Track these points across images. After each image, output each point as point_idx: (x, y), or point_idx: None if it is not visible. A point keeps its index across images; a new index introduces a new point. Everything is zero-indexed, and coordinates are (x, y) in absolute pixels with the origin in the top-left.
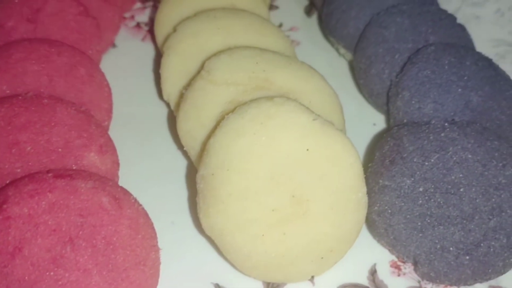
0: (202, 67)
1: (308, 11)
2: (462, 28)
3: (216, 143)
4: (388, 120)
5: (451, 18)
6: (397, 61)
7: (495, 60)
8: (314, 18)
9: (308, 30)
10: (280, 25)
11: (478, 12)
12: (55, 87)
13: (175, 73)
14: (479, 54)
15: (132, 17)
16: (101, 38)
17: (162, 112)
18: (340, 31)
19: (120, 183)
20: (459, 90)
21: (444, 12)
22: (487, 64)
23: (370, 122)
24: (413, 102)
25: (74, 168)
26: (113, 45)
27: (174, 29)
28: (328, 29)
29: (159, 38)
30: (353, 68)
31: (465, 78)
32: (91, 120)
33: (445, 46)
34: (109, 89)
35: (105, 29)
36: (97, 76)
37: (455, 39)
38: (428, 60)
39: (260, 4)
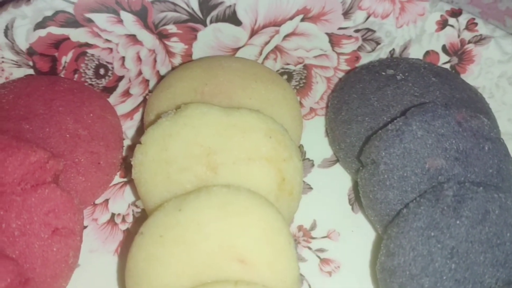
0: None
1: (353, 203)
2: None
3: None
4: None
5: None
6: None
7: None
8: (361, 217)
9: (354, 240)
10: (313, 227)
11: None
12: None
13: None
14: None
15: (106, 202)
16: None
17: None
18: None
19: None
20: None
21: None
22: None
23: None
24: None
25: None
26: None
27: None
28: None
29: None
30: None
31: None
32: None
33: None
34: None
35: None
36: None
37: None
38: None
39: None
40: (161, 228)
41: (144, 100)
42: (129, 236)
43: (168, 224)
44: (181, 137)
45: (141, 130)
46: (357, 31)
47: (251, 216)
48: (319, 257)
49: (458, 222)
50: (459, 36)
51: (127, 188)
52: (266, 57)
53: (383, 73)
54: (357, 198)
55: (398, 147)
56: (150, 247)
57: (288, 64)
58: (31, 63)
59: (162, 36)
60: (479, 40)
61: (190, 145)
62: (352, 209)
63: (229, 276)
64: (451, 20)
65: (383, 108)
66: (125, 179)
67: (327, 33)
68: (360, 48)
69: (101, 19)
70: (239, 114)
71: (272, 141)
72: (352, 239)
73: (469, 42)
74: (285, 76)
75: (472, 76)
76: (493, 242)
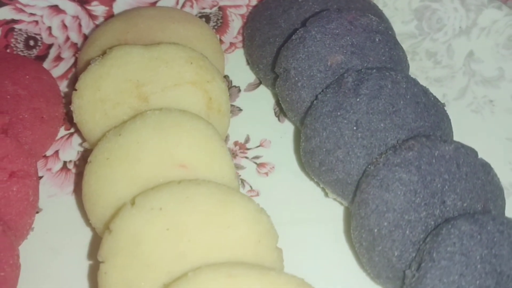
0: None
1: (279, 114)
2: (489, 179)
3: None
4: None
5: (476, 165)
6: (408, 238)
7: None
8: (287, 123)
9: (283, 144)
10: (247, 140)
11: None
12: None
13: None
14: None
15: (57, 153)
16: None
17: None
18: (326, 176)
19: None
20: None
21: (466, 152)
22: None
23: None
24: None
25: None
26: (37, 211)
27: (109, 229)
28: (311, 171)
29: (93, 218)
30: (350, 219)
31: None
32: None
33: (470, 222)
34: None
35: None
36: None
37: (479, 199)
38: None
39: (222, 161)
40: (106, 152)
41: (76, 60)
42: (80, 175)
43: (111, 148)
44: (110, 77)
45: None
46: None
47: (184, 128)
48: (255, 163)
49: (358, 99)
50: None
51: (74, 138)
52: (183, 5)
53: None
54: (281, 109)
55: (303, 51)
56: (99, 170)
57: (204, 8)
58: None
59: (83, 2)
60: None
61: (119, 82)
62: (279, 119)
63: (173, 180)
64: None
65: (290, 27)
66: (70, 131)
67: None
68: None
69: None
70: (159, 48)
71: (194, 66)
72: (282, 143)
73: None
74: (203, 19)
75: None
76: (390, 110)
